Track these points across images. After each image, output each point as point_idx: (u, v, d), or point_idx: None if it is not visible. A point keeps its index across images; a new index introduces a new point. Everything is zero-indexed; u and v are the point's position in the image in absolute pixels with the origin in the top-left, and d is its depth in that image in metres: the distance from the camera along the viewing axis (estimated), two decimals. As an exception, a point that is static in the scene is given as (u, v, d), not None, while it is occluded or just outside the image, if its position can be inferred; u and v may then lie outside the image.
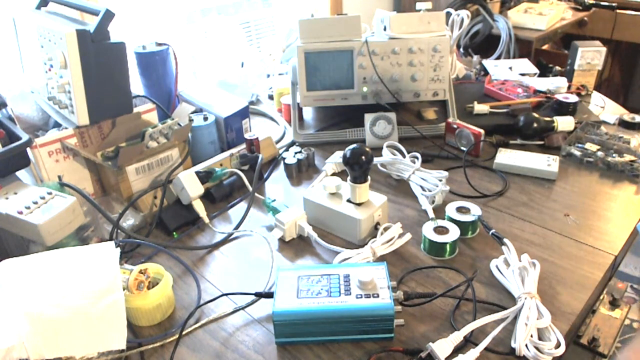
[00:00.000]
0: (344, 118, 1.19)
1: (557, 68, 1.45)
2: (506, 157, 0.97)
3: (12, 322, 0.54)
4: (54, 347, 0.55)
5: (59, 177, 0.79)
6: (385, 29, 1.07)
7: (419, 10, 1.09)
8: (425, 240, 0.75)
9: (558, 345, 0.57)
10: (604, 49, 1.26)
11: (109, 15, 0.77)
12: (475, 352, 0.57)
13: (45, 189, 0.74)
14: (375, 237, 0.76)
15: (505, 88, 1.24)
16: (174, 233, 0.83)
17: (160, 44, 1.04)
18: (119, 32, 0.84)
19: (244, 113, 1.04)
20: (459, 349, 0.59)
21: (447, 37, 1.07)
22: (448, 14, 1.14)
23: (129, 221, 0.82)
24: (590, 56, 1.26)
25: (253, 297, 0.68)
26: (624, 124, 1.10)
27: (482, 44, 2.14)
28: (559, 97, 1.15)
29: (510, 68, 1.38)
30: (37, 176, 0.81)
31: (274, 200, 0.85)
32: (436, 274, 0.72)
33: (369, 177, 0.78)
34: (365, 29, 1.13)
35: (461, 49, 2.13)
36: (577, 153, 0.98)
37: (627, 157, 0.93)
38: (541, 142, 1.03)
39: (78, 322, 0.57)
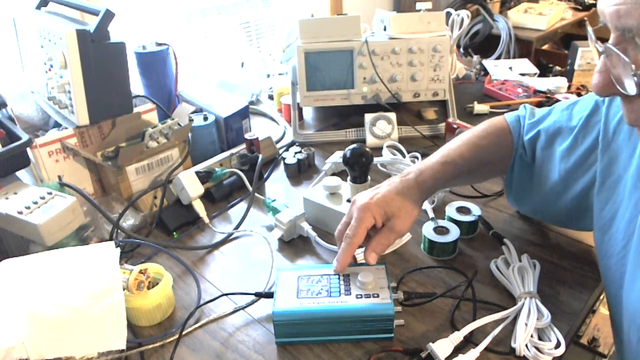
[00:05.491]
0: (344, 118, 1.19)
1: (557, 68, 1.45)
2: (506, 157, 0.97)
3: (12, 322, 0.54)
4: (54, 347, 0.55)
5: (59, 177, 0.79)
6: (385, 29, 1.07)
7: (419, 10, 1.09)
8: (425, 240, 0.75)
9: (558, 345, 0.57)
10: (604, 49, 1.26)
11: (109, 15, 0.77)
12: (475, 352, 0.57)
13: (45, 189, 0.74)
14: (375, 237, 0.76)
15: (505, 88, 1.24)
16: (174, 233, 0.83)
17: (160, 44, 1.04)
18: (119, 32, 0.84)
19: (244, 113, 1.04)
20: (459, 349, 0.59)
21: (447, 37, 1.07)
22: (448, 14, 1.14)
23: (129, 221, 0.82)
24: (591, 56, 1.26)
25: (253, 297, 0.68)
26: (624, 124, 1.10)
27: (482, 44, 2.14)
28: (559, 97, 1.15)
29: (510, 68, 1.38)
30: (37, 176, 0.81)
31: (274, 200, 0.85)
32: (436, 274, 0.72)
33: (369, 177, 0.78)
34: (365, 29, 1.13)
35: (461, 49, 2.13)
36: (577, 153, 0.98)
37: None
38: (541, 142, 1.03)
39: (78, 322, 0.57)
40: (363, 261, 0.67)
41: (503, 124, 0.75)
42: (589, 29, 0.49)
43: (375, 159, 0.93)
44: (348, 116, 1.19)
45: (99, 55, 0.78)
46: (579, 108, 0.67)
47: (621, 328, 0.58)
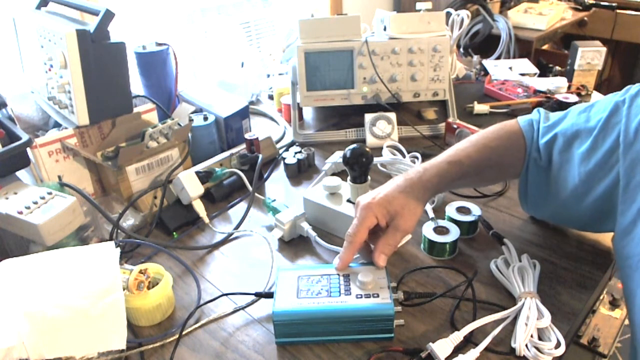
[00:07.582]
0: (344, 118, 1.19)
1: (557, 68, 1.45)
2: (506, 157, 0.97)
3: (12, 322, 0.54)
4: (54, 347, 0.55)
5: (59, 177, 0.79)
6: (385, 29, 1.07)
7: (419, 10, 1.09)
8: (425, 240, 0.75)
9: (558, 345, 0.57)
10: (604, 49, 1.26)
11: (109, 15, 0.77)
12: (475, 352, 0.57)
13: (45, 189, 0.74)
14: (375, 237, 0.76)
15: (505, 88, 1.24)
16: (174, 233, 0.83)
17: (160, 44, 1.04)
18: (119, 32, 0.84)
19: (244, 113, 1.04)
20: (459, 349, 0.59)
21: (447, 37, 1.07)
22: (448, 14, 1.14)
23: (129, 221, 0.82)
24: (590, 56, 1.26)
25: (253, 297, 0.68)
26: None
27: (482, 44, 2.13)
28: (559, 97, 1.15)
29: (510, 68, 1.38)
30: (37, 176, 0.81)
31: (274, 200, 0.85)
32: (436, 274, 0.72)
33: (369, 177, 0.78)
34: (365, 29, 1.13)
35: (461, 49, 2.13)
36: (577, 153, 0.97)
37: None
38: (541, 142, 1.03)
39: (78, 322, 0.57)
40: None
41: (515, 127, 0.74)
42: None
43: (375, 159, 0.93)
44: (348, 116, 1.19)
45: (99, 55, 0.78)
46: (597, 109, 0.66)
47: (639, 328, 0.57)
